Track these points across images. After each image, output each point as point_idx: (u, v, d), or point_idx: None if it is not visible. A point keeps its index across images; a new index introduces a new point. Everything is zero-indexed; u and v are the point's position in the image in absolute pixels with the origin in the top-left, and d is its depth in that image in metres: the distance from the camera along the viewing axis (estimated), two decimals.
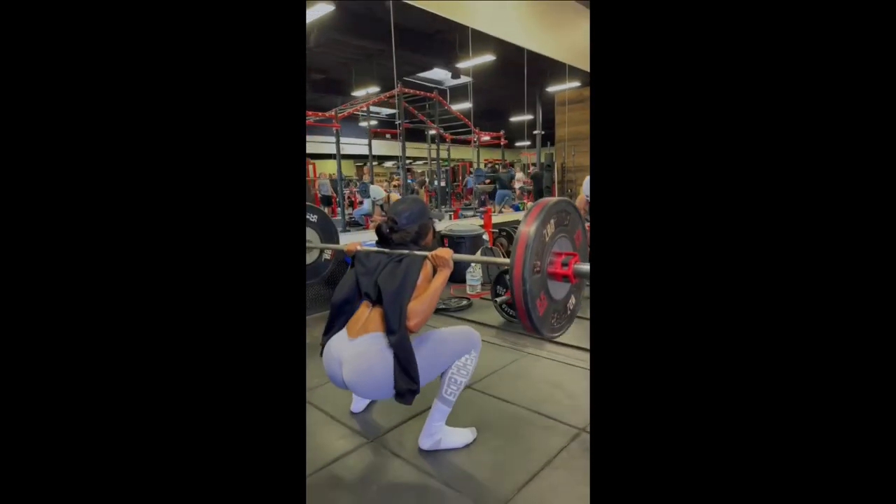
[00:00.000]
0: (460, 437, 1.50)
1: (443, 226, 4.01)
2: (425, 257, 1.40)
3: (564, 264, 1.26)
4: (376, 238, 1.53)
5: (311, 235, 2.42)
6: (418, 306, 1.31)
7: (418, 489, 1.32)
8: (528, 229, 1.16)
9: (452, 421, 1.53)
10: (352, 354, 1.34)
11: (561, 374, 2.04)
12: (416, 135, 9.12)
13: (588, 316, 2.61)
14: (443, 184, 7.59)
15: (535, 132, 8.17)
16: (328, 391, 1.94)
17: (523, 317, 1.20)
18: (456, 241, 3.77)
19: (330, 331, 1.45)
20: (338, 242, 2.50)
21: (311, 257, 2.47)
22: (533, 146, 10.02)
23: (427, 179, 9.22)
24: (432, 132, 7.19)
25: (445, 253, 1.38)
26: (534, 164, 9.21)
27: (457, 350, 1.40)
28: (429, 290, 1.35)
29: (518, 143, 13.90)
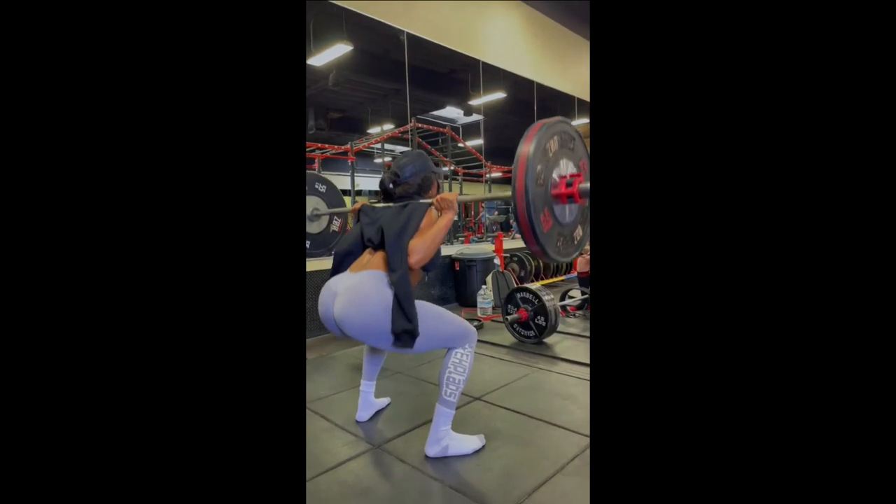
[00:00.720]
0: (468, 443, 1.44)
1: (454, 250, 4.02)
2: (430, 204, 1.39)
3: (569, 184, 1.21)
4: None
5: (319, 203, 2.37)
6: (420, 243, 1.29)
7: (423, 493, 1.26)
8: (527, 147, 1.11)
9: (460, 430, 1.48)
10: (347, 286, 1.30)
11: (573, 387, 1.97)
12: None
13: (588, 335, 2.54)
14: (455, 217, 7.67)
15: None
16: (333, 401, 1.91)
17: (527, 231, 1.13)
18: (467, 265, 3.77)
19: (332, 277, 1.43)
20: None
21: (318, 226, 2.40)
22: None
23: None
24: (445, 168, 7.34)
25: (450, 195, 1.37)
26: None
27: (454, 331, 1.36)
28: (432, 229, 1.33)
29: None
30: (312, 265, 2.91)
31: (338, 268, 1.44)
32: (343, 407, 1.83)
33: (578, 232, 1.37)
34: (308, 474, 1.34)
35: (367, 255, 1.41)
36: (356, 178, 6.01)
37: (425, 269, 1.39)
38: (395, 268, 1.28)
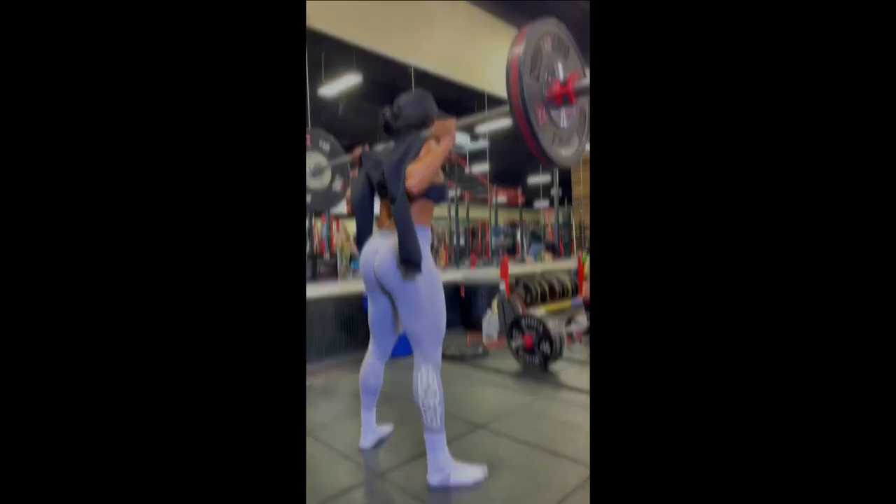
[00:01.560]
0: (470, 473, 1.44)
1: (460, 275, 4.04)
2: (428, 136, 1.41)
3: (563, 84, 1.17)
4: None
5: (321, 159, 2.30)
6: (417, 167, 1.32)
7: None
8: (518, 48, 1.08)
9: (463, 459, 1.48)
10: (385, 244, 1.42)
11: (577, 415, 1.96)
12: None
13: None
14: (462, 242, 7.73)
15: (552, 192, 8.38)
16: (336, 429, 1.91)
17: (523, 124, 1.09)
18: (472, 290, 3.78)
19: (361, 238, 1.53)
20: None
21: (321, 182, 2.32)
22: (551, 206, 10.20)
23: (447, 238, 9.38)
24: (451, 193, 7.44)
25: (448, 122, 1.38)
26: (552, 222, 9.32)
27: (437, 324, 1.42)
28: (430, 154, 1.35)
29: (536, 204, 14.16)
30: (312, 291, 2.93)
31: (361, 220, 1.53)
32: (346, 434, 1.83)
33: (575, 140, 1.32)
34: (309, 502, 1.34)
35: (386, 206, 1.48)
36: None
37: (431, 197, 1.42)
38: (394, 196, 1.32)
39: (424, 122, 1.51)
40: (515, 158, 9.98)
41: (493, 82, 4.92)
